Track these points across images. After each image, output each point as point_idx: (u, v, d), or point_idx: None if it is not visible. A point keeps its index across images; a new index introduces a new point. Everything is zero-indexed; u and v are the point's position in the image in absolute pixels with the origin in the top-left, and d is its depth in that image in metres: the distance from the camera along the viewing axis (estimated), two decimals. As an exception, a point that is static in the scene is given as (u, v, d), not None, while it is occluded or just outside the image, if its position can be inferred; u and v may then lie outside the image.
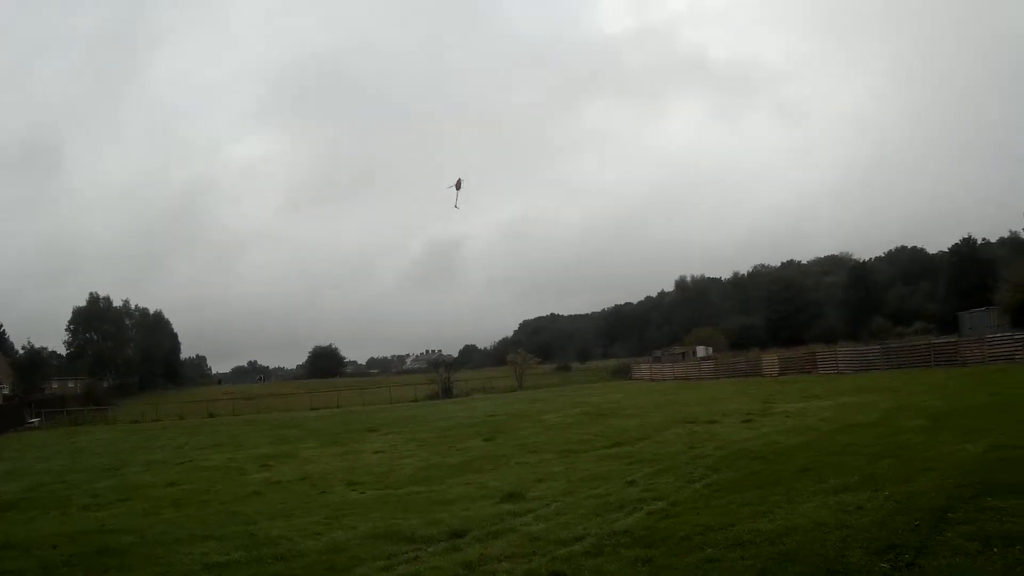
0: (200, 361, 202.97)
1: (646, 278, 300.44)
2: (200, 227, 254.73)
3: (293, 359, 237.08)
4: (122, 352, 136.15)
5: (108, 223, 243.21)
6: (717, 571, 8.24)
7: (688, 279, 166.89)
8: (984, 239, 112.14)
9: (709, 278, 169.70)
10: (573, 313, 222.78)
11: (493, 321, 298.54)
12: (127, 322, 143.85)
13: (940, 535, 8.51)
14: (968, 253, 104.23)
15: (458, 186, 26.37)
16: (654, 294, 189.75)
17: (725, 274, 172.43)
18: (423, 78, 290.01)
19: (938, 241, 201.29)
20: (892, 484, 11.54)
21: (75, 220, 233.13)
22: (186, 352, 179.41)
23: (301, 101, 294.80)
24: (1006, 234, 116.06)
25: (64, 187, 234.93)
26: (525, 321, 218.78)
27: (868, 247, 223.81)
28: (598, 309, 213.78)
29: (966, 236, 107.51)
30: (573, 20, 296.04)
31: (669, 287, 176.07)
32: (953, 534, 8.47)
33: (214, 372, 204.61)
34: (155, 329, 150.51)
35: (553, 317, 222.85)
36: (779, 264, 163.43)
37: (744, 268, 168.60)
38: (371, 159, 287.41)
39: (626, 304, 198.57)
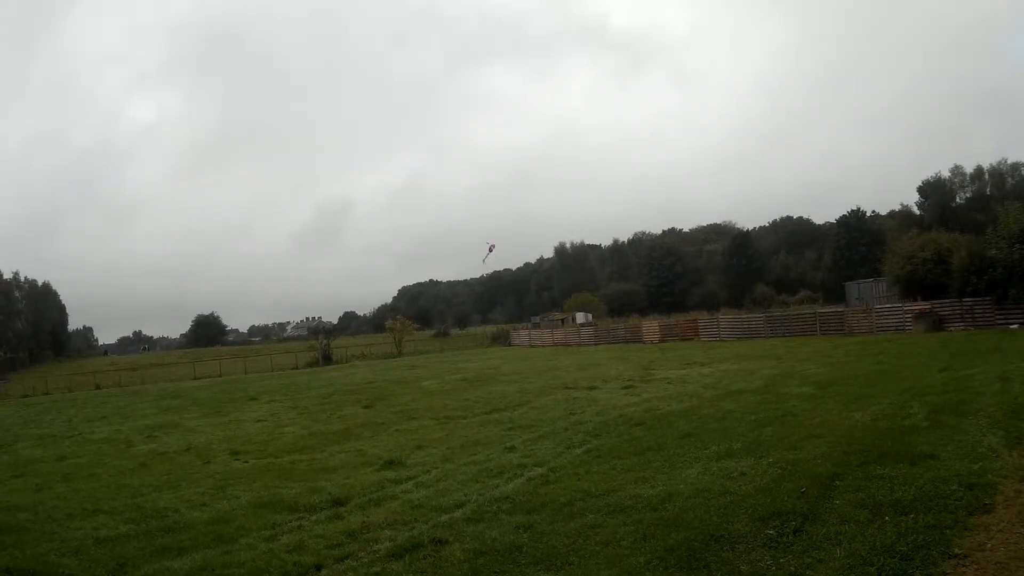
0: (87, 332, 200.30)
1: (526, 244, 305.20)
2: (93, 192, 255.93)
3: (177, 328, 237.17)
4: (12, 325, 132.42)
5: (3, 186, 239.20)
6: (598, 536, 8.31)
7: (568, 245, 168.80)
8: (874, 211, 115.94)
9: (589, 244, 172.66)
10: (452, 279, 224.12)
11: (373, 288, 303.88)
12: (16, 294, 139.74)
13: (828, 502, 8.68)
14: (856, 224, 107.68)
15: (491, 249, 25.72)
16: (533, 260, 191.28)
17: (605, 241, 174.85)
18: (315, 40, 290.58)
19: (826, 213, 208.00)
20: (777, 451, 11.80)
21: None
22: (73, 323, 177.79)
23: (199, 62, 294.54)
24: (897, 207, 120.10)
25: None
26: (404, 287, 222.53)
27: (754, 217, 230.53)
28: (477, 275, 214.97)
29: (854, 208, 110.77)
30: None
31: (549, 253, 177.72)
32: (841, 502, 8.64)
33: (100, 343, 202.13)
34: (43, 300, 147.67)
35: (432, 283, 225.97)
36: (660, 232, 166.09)
37: (625, 236, 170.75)
38: (260, 122, 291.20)
39: (505, 270, 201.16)
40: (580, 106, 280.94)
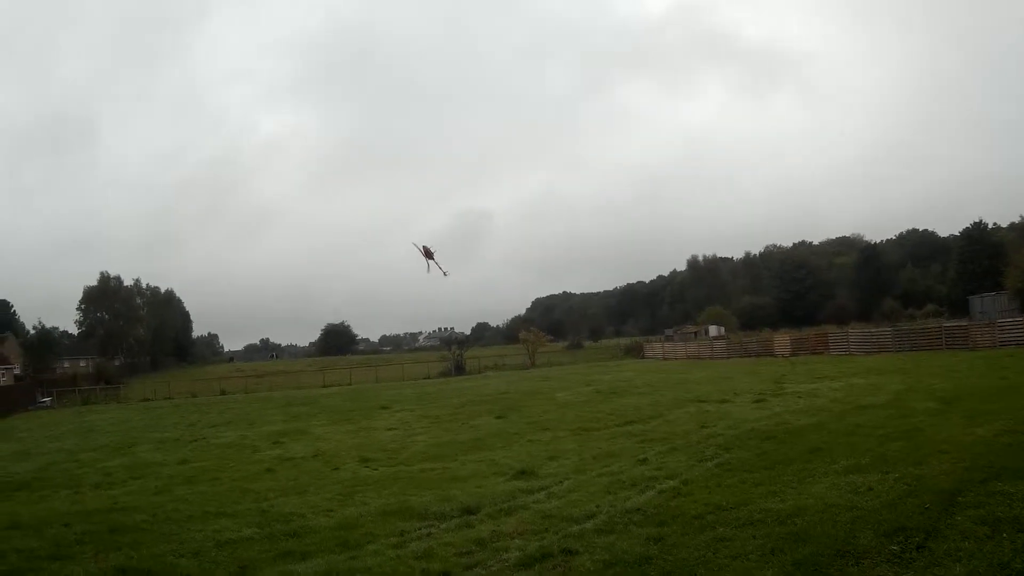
0: (212, 339, 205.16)
1: (658, 257, 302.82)
2: (221, 203, 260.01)
3: (305, 337, 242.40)
4: (133, 331, 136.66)
5: (131, 200, 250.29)
6: (727, 550, 8.29)
7: (700, 258, 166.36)
8: (995, 223, 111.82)
9: (721, 257, 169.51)
10: (585, 291, 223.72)
11: (506, 298, 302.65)
12: (138, 301, 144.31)
13: (950, 518, 8.50)
14: (978, 237, 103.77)
15: (427, 255, 24.78)
16: (666, 273, 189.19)
17: (737, 254, 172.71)
18: (448, 56, 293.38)
19: (949, 225, 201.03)
20: (902, 466, 11.55)
21: (97, 198, 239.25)
22: (198, 330, 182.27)
23: (330, 77, 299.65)
24: (1016, 219, 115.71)
25: (91, 163, 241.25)
26: (538, 299, 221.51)
27: (879, 230, 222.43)
28: (610, 287, 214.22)
29: (977, 220, 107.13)
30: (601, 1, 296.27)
31: (681, 266, 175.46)
32: (963, 517, 8.46)
33: (226, 350, 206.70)
34: (166, 307, 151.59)
35: (565, 295, 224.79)
36: (791, 245, 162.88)
37: (756, 248, 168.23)
38: (393, 136, 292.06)
39: (638, 282, 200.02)
40: (711, 119, 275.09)
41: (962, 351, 43.68)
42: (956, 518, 8.49)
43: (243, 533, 10.87)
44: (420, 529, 10.51)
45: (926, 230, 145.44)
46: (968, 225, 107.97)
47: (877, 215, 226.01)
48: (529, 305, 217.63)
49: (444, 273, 24.62)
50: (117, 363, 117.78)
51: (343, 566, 9.00)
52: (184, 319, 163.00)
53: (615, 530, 9.55)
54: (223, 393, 65.86)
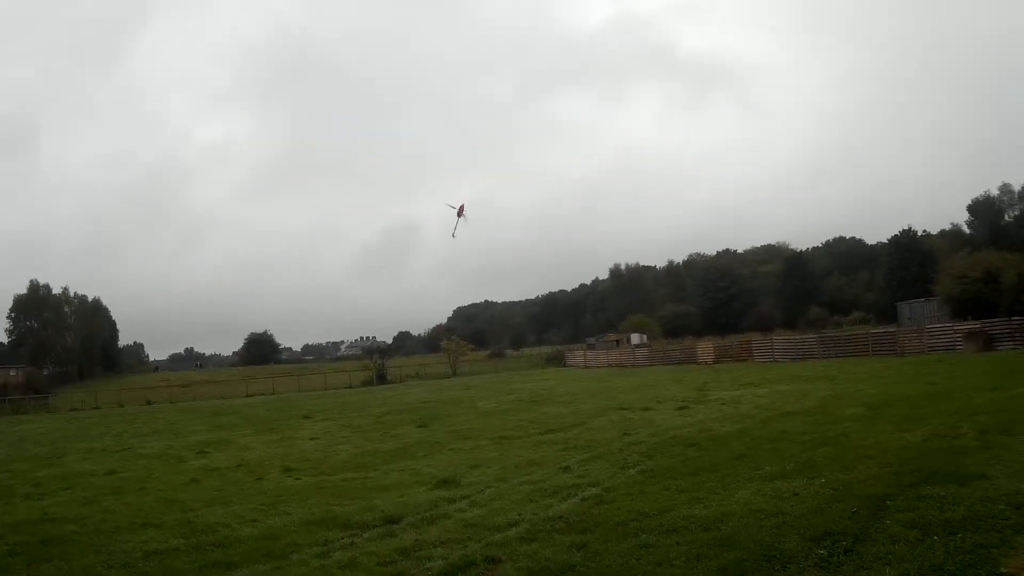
0: (137, 348, 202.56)
1: (586, 266, 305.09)
2: (157, 211, 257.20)
3: (230, 346, 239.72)
4: (61, 340, 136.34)
5: (69, 207, 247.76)
6: (652, 556, 8.31)
7: (623, 267, 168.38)
8: (924, 231, 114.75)
9: (644, 266, 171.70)
10: (508, 300, 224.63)
11: (428, 308, 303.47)
12: (66, 309, 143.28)
13: (879, 522, 8.60)
14: (908, 244, 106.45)
15: (460, 213, 24.85)
16: (589, 281, 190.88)
17: (660, 262, 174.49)
18: (386, 65, 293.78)
19: (877, 233, 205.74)
20: (829, 472, 11.69)
21: (35, 204, 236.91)
22: (124, 339, 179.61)
23: (270, 83, 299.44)
24: (947, 227, 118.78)
25: (29, 169, 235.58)
26: (459, 307, 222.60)
27: (807, 238, 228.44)
28: (532, 296, 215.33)
29: (906, 228, 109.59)
30: (545, 12, 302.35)
31: (604, 275, 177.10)
32: (892, 522, 8.57)
33: (151, 359, 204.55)
34: (94, 317, 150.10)
35: (487, 303, 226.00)
36: (715, 253, 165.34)
37: (680, 257, 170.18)
38: (329, 145, 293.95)
39: (560, 291, 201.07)
40: (647, 130, 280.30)
41: (890, 357, 44.69)
42: (885, 522, 8.59)
43: (170, 544, 10.97)
44: (343, 539, 10.56)
45: (853, 237, 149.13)
46: (897, 232, 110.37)
47: (806, 224, 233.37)
48: (451, 314, 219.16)
49: (453, 236, 24.65)
50: (46, 372, 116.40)
51: None
52: (111, 328, 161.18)
53: (538, 538, 9.59)
54: (149, 403, 65.33)
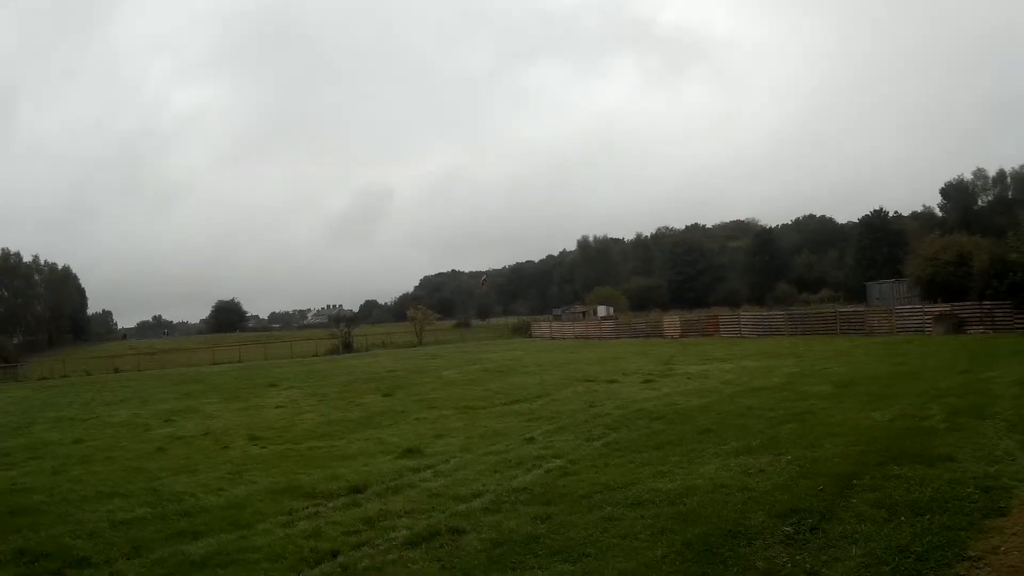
0: (106, 316, 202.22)
1: (549, 238, 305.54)
2: (133, 178, 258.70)
3: (198, 313, 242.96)
4: (31, 309, 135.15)
5: (47, 173, 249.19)
6: (616, 529, 8.36)
7: (591, 239, 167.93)
8: (896, 212, 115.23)
9: (612, 238, 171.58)
10: (474, 270, 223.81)
11: (395, 278, 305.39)
12: (36, 278, 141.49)
13: (845, 501, 8.70)
14: (878, 224, 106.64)
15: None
16: (556, 253, 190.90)
17: (629, 235, 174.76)
18: (364, 34, 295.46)
19: (849, 213, 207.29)
20: (795, 449, 11.82)
21: (10, 173, 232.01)
22: (93, 307, 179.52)
23: (247, 51, 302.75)
24: (919, 208, 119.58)
25: (8, 138, 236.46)
26: (426, 277, 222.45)
27: (779, 216, 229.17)
28: (500, 266, 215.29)
29: (877, 208, 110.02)
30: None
31: (572, 246, 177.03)
32: (859, 500, 8.67)
33: (120, 327, 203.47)
34: (63, 285, 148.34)
35: (454, 273, 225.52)
36: (683, 227, 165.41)
37: (648, 230, 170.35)
38: (305, 113, 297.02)
39: (527, 262, 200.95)
40: (622, 103, 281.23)
41: (858, 336, 45.17)
42: (852, 501, 8.69)
43: (136, 513, 10.98)
44: (308, 508, 10.63)
45: (823, 216, 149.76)
46: (868, 213, 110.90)
47: (777, 202, 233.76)
48: (418, 283, 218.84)
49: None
50: (16, 341, 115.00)
51: (233, 545, 9.06)
52: (80, 296, 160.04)
53: (502, 509, 9.66)
54: (117, 371, 64.76)
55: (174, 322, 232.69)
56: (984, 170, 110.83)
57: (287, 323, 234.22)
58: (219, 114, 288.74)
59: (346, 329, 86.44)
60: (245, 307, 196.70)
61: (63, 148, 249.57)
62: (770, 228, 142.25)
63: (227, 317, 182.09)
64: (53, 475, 15.03)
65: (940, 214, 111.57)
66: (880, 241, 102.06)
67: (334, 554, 8.44)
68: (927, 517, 7.87)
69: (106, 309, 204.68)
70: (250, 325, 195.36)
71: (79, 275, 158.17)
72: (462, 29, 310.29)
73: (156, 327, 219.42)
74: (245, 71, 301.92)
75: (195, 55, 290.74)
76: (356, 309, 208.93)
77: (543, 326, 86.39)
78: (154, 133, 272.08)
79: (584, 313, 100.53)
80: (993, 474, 9.48)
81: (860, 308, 59.43)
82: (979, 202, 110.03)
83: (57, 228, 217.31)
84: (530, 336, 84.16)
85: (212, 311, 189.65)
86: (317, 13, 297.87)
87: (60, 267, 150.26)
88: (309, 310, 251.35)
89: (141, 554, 9.01)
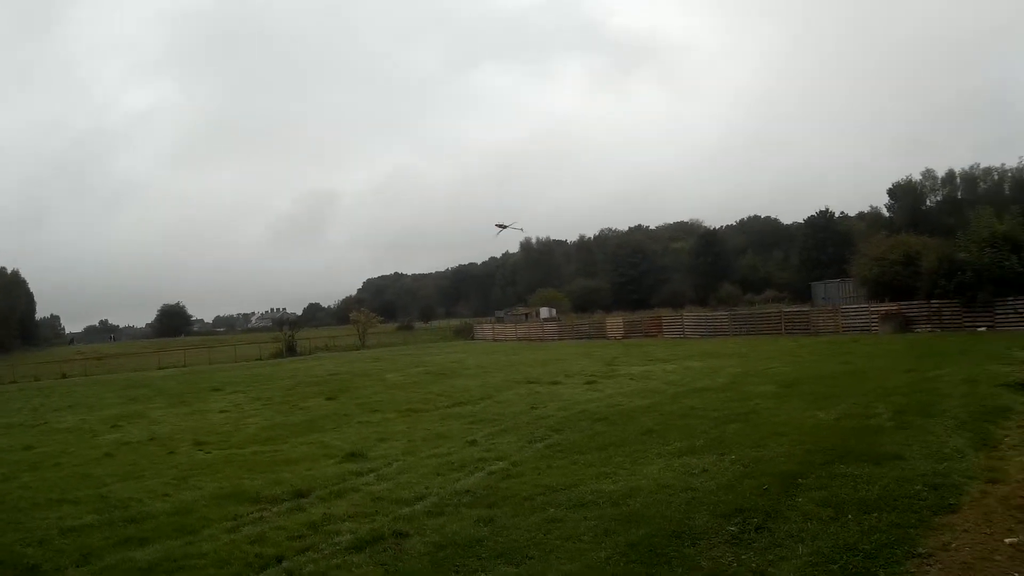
0: (54, 320, 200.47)
1: (492, 240, 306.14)
2: (78, 182, 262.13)
3: (143, 317, 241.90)
4: None
5: None
6: (559, 531, 8.36)
7: (534, 240, 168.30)
8: (843, 212, 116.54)
9: (555, 240, 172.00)
10: (417, 272, 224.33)
11: (339, 280, 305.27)
12: None
13: (791, 500, 8.71)
14: (824, 225, 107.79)
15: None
16: (499, 255, 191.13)
17: (572, 237, 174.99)
18: (312, 36, 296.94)
19: (796, 214, 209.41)
20: (740, 449, 11.85)
21: None
22: (41, 312, 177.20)
23: (200, 50, 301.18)
24: (866, 209, 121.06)
25: None
26: (369, 279, 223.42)
27: (724, 218, 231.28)
28: (443, 269, 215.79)
29: (822, 208, 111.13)
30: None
31: (515, 249, 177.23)
32: (805, 499, 8.68)
33: (67, 332, 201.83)
34: (12, 290, 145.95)
35: (397, 276, 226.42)
36: (627, 229, 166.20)
37: (591, 232, 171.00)
38: (252, 115, 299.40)
39: (471, 264, 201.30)
40: (571, 106, 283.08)
41: (803, 336, 45.59)
42: (798, 500, 8.70)
43: (85, 520, 11.08)
44: (253, 513, 10.71)
45: (768, 217, 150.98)
46: (813, 213, 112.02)
47: (723, 204, 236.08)
48: (360, 286, 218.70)
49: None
50: None
51: (180, 552, 9.15)
52: (29, 301, 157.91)
53: (445, 512, 9.73)
54: (64, 376, 64.69)
55: (120, 326, 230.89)
56: (933, 171, 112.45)
57: (232, 326, 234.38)
58: (168, 115, 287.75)
59: (290, 332, 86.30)
60: (190, 311, 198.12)
61: (15, 150, 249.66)
62: (714, 229, 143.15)
63: (172, 321, 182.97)
64: (3, 482, 15.14)
65: (888, 214, 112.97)
66: (825, 241, 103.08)
67: (279, 559, 8.52)
68: (875, 515, 7.87)
69: (54, 313, 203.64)
70: (195, 329, 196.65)
71: (27, 280, 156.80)
72: (412, 31, 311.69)
73: (103, 331, 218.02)
74: (194, 72, 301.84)
75: (146, 56, 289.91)
76: (300, 312, 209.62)
77: (486, 328, 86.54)
78: (104, 134, 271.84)
79: (527, 315, 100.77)
80: (943, 471, 9.52)
81: (805, 308, 59.95)
82: (927, 202, 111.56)
83: (4, 232, 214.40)
84: (473, 338, 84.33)
85: (158, 315, 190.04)
86: (267, 15, 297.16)
87: (9, 271, 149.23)
88: (253, 313, 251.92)
89: (90, 561, 9.09)
